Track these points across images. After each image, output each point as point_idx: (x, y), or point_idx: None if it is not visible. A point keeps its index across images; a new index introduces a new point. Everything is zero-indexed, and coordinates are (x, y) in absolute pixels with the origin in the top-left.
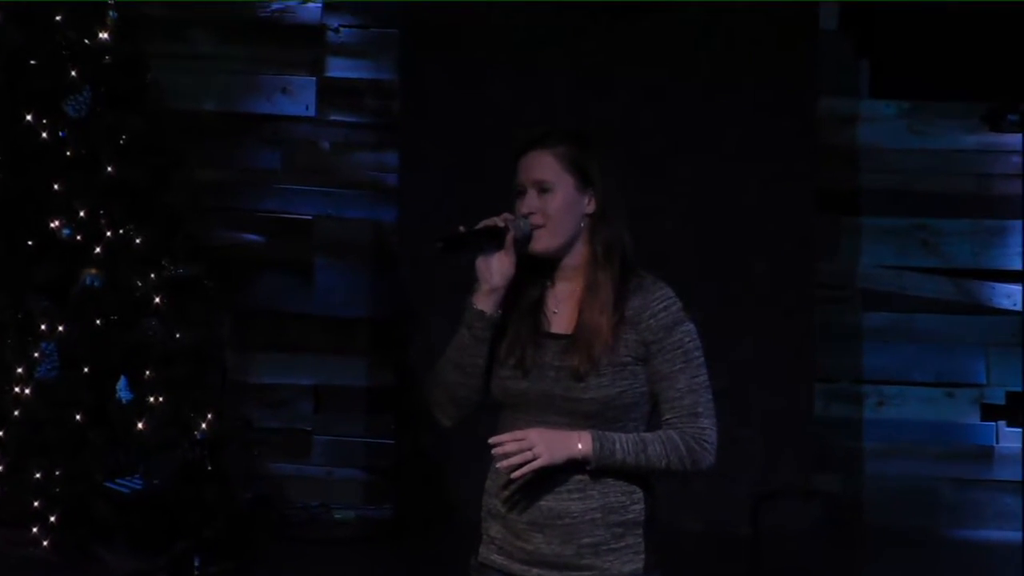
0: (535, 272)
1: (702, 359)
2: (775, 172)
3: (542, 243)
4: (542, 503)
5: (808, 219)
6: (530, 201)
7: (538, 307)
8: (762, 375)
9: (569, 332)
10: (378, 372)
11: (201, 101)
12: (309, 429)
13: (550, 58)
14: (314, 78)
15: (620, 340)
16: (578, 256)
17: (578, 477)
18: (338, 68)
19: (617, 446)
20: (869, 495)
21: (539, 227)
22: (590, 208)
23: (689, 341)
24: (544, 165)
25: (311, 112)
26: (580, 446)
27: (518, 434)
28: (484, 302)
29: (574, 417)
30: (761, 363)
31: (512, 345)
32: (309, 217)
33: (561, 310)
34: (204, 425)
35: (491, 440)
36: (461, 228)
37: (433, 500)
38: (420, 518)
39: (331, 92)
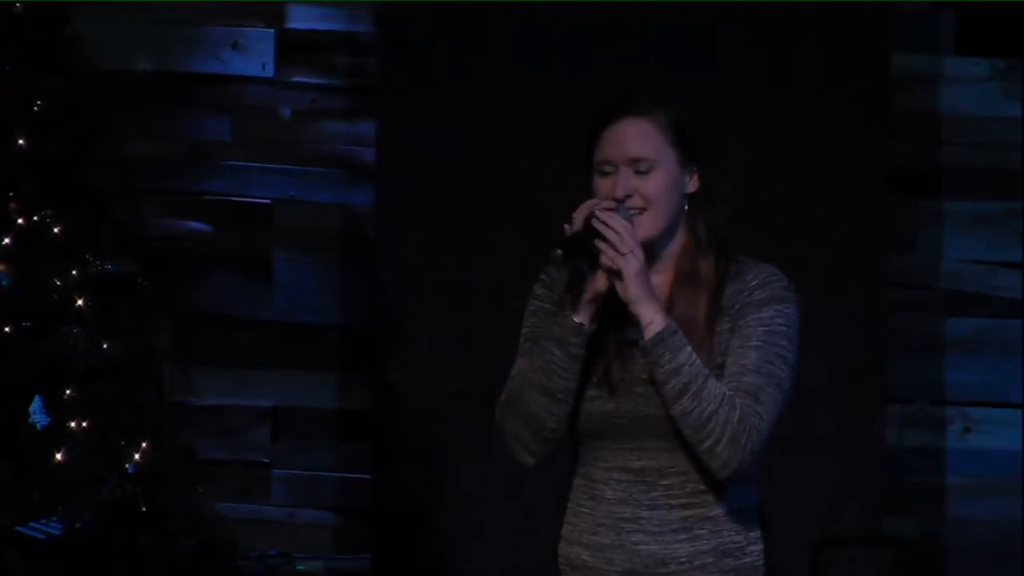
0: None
1: (789, 353)
2: (837, 146)
3: (643, 231)
4: (641, 547)
5: (878, 203)
6: (626, 181)
7: (622, 309)
8: (822, 396)
9: None
10: (351, 391)
11: (133, 59)
12: (266, 461)
13: (559, 4)
14: (272, 30)
15: (716, 336)
16: (676, 244)
17: (685, 514)
18: (301, 18)
19: (688, 348)
20: (952, 542)
21: (639, 212)
22: (692, 187)
23: (781, 323)
24: (643, 137)
25: (268, 72)
26: (654, 314)
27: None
28: (583, 312)
29: (672, 440)
30: (821, 381)
31: (594, 359)
32: (266, 201)
33: None
34: (137, 456)
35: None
36: (566, 226)
37: (418, 548)
38: (402, 570)
39: (293, 47)
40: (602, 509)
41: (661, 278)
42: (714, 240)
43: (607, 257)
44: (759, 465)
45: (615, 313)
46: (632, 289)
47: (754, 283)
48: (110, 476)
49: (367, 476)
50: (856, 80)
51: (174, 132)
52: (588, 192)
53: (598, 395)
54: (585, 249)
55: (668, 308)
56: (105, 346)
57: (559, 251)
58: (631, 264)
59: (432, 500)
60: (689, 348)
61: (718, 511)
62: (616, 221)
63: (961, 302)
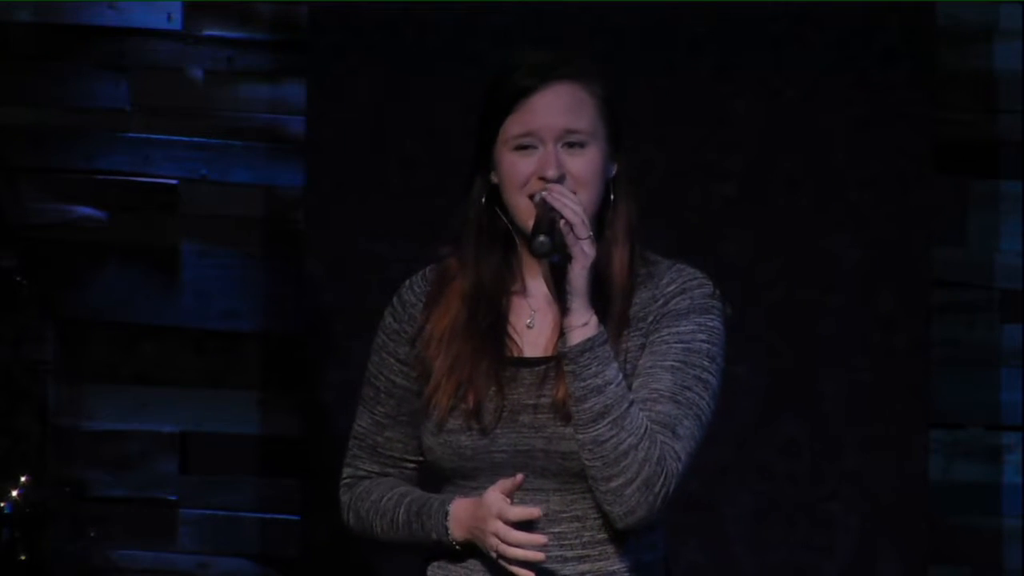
0: (496, 268)
1: (711, 376)
2: (871, 114)
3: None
4: None
5: (921, 184)
6: (559, 158)
7: (498, 323)
8: (854, 419)
9: (550, 353)
10: (275, 415)
11: (7, 9)
12: (173, 499)
13: None
14: None
15: (621, 354)
16: None
17: (581, 569)
18: None
19: (615, 365)
20: None
21: None
22: (613, 172)
23: (703, 339)
24: (579, 106)
25: (175, 24)
26: (590, 316)
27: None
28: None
29: (566, 479)
30: (852, 401)
31: (462, 384)
32: (173, 182)
33: (538, 322)
34: (14, 493)
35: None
36: (538, 208)
37: None
38: None
39: None
40: (479, 563)
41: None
42: (629, 237)
43: (567, 241)
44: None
45: (487, 324)
46: (579, 281)
47: (671, 289)
48: None
49: (295, 517)
50: (893, 32)
51: (59, 97)
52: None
53: (467, 426)
54: (555, 233)
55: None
56: None
57: (543, 237)
58: (588, 251)
59: (372, 547)
60: (616, 365)
61: (620, 566)
62: (573, 199)
63: (1020, 305)
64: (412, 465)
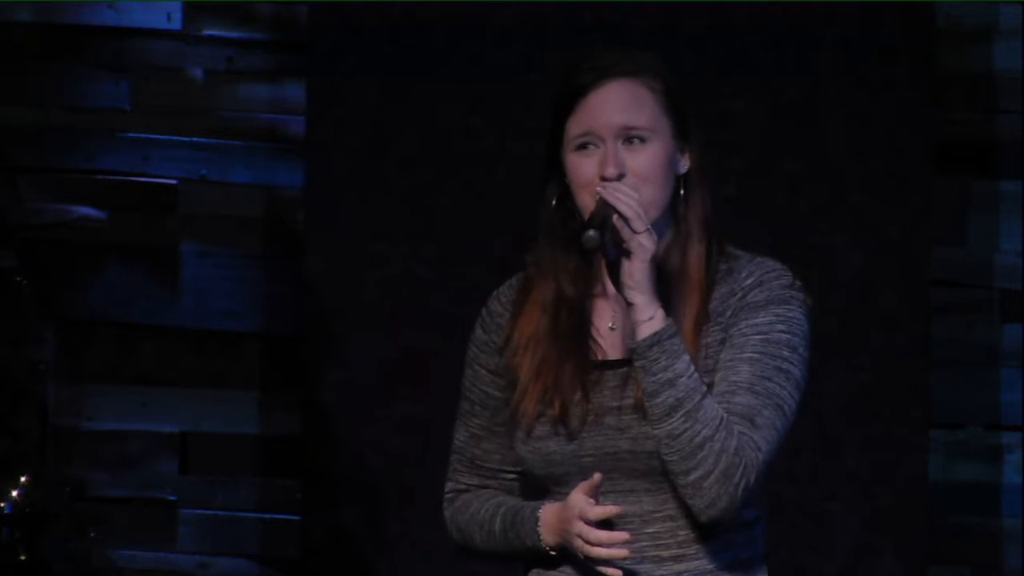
0: (575, 271)
1: (793, 366)
2: (872, 114)
3: None
4: None
5: (921, 183)
6: (617, 156)
7: (582, 326)
8: (854, 419)
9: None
10: (276, 415)
11: (8, 9)
12: (174, 499)
13: None
14: None
15: (703, 349)
16: (664, 237)
17: (677, 568)
18: None
19: (687, 357)
20: None
21: None
22: (684, 166)
23: (782, 329)
24: (636, 102)
25: (175, 24)
26: (655, 310)
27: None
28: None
29: (656, 478)
30: (852, 401)
31: (548, 391)
32: (172, 182)
33: (621, 324)
34: (14, 493)
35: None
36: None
37: None
38: None
39: None
40: (574, 568)
41: None
42: (705, 231)
43: (623, 235)
44: (764, 505)
45: (570, 330)
46: (639, 275)
47: (748, 282)
48: None
49: (295, 517)
50: (893, 32)
51: (59, 97)
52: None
53: (554, 432)
54: (607, 228)
55: None
56: None
57: (592, 232)
58: (646, 244)
59: (372, 546)
60: (688, 357)
61: (717, 564)
62: (628, 194)
63: (1020, 305)
64: (511, 476)
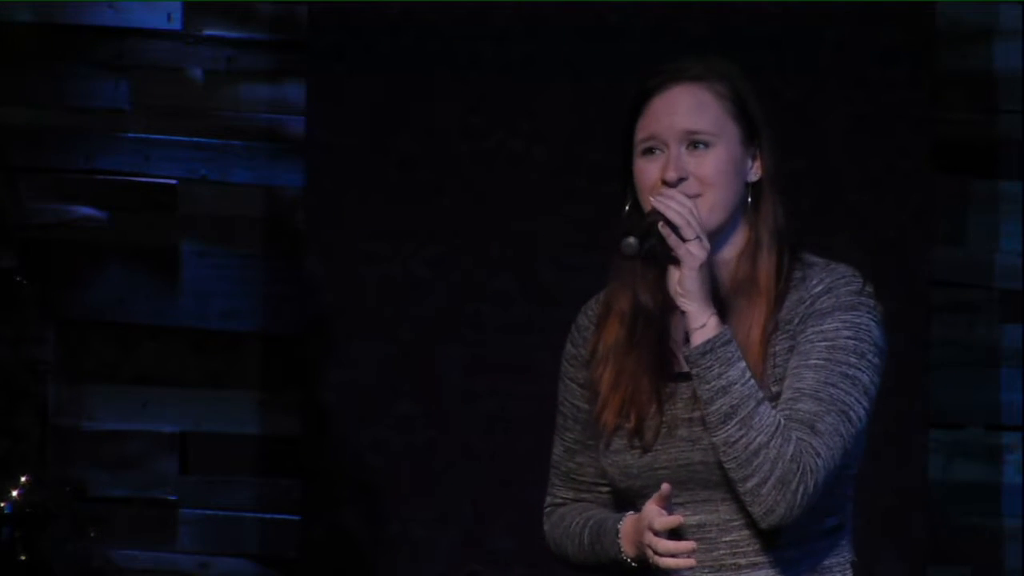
0: (652, 282)
1: (862, 372)
2: (872, 114)
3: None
4: None
5: (920, 183)
6: (679, 161)
7: (660, 336)
8: None
9: None
10: (275, 415)
11: (8, 9)
12: (173, 499)
13: None
14: None
15: (771, 357)
16: (733, 243)
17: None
18: None
19: (743, 364)
20: None
21: (694, 198)
22: (755, 174)
23: (848, 336)
24: (700, 106)
25: (175, 24)
26: (708, 317)
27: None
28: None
29: (731, 488)
30: None
31: (625, 403)
32: (172, 182)
33: None
34: (15, 493)
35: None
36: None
37: None
38: None
39: None
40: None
41: (714, 288)
42: (777, 239)
43: (670, 243)
44: (846, 511)
45: (647, 342)
46: (689, 283)
47: (818, 289)
48: None
49: (295, 517)
50: (893, 32)
51: (59, 97)
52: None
53: (630, 445)
54: (652, 235)
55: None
56: None
57: (632, 239)
58: (696, 252)
59: (372, 547)
60: (744, 364)
61: (797, 571)
62: (680, 201)
63: (1020, 305)
64: (606, 489)
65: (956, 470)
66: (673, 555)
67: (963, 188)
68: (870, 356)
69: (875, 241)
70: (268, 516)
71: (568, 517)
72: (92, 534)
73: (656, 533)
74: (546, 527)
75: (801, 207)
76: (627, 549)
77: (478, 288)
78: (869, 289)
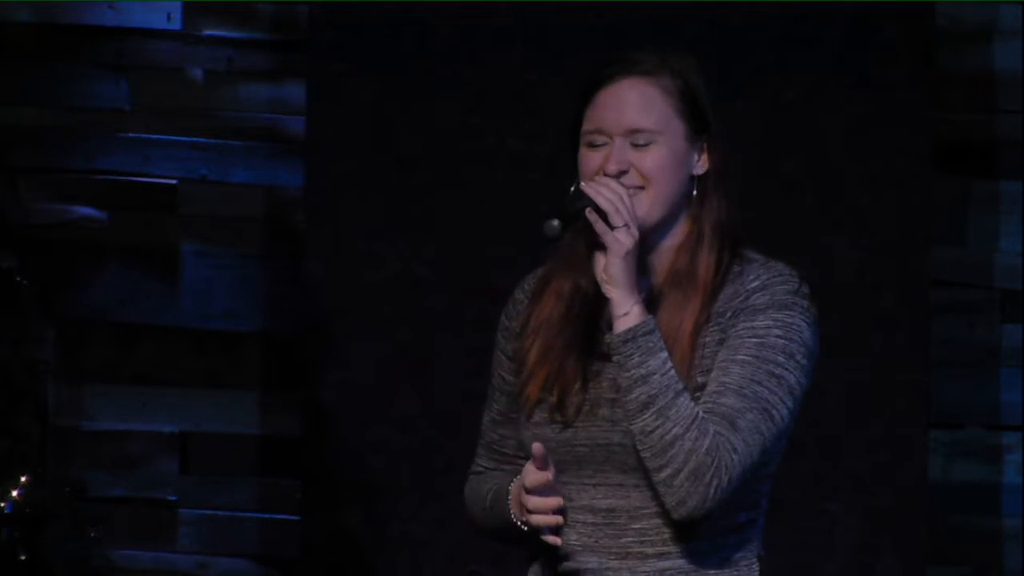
0: (589, 262)
1: (788, 372)
2: (871, 114)
3: (639, 213)
4: None
5: (920, 183)
6: (621, 154)
7: (594, 316)
8: (854, 419)
9: None
10: (276, 415)
11: (8, 9)
12: (173, 499)
13: None
14: None
15: (700, 349)
16: (675, 236)
17: (662, 566)
18: None
19: (664, 355)
20: None
21: (635, 191)
22: (701, 168)
23: (778, 335)
24: (645, 103)
25: (175, 24)
26: (632, 306)
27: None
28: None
29: (646, 474)
30: (852, 401)
31: (550, 377)
32: (172, 182)
33: None
34: (15, 493)
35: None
36: (574, 190)
37: None
38: None
39: None
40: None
41: (652, 278)
42: (719, 233)
43: (597, 229)
44: (757, 508)
45: (581, 321)
46: (615, 270)
47: (754, 284)
48: None
49: (295, 517)
50: (893, 33)
51: (59, 97)
52: (563, 168)
53: (551, 419)
54: (578, 219)
55: (651, 310)
56: None
57: (555, 221)
58: (623, 240)
59: (372, 547)
60: (665, 355)
61: (703, 564)
62: (612, 188)
63: (1020, 305)
64: (526, 461)
65: (956, 470)
66: (541, 512)
67: (963, 188)
68: (799, 357)
69: (875, 241)
70: (268, 516)
71: (481, 484)
72: (92, 534)
73: (529, 492)
74: (465, 494)
75: (801, 206)
76: (515, 510)
77: (478, 288)
78: (805, 290)
